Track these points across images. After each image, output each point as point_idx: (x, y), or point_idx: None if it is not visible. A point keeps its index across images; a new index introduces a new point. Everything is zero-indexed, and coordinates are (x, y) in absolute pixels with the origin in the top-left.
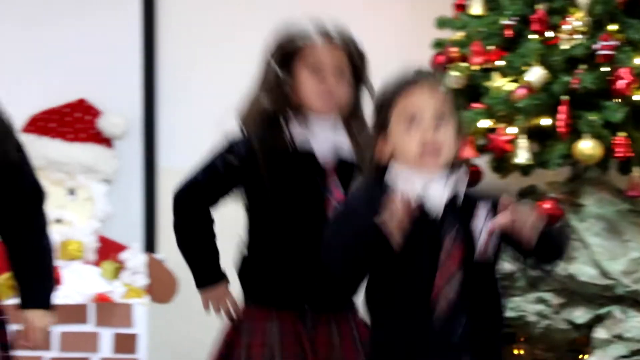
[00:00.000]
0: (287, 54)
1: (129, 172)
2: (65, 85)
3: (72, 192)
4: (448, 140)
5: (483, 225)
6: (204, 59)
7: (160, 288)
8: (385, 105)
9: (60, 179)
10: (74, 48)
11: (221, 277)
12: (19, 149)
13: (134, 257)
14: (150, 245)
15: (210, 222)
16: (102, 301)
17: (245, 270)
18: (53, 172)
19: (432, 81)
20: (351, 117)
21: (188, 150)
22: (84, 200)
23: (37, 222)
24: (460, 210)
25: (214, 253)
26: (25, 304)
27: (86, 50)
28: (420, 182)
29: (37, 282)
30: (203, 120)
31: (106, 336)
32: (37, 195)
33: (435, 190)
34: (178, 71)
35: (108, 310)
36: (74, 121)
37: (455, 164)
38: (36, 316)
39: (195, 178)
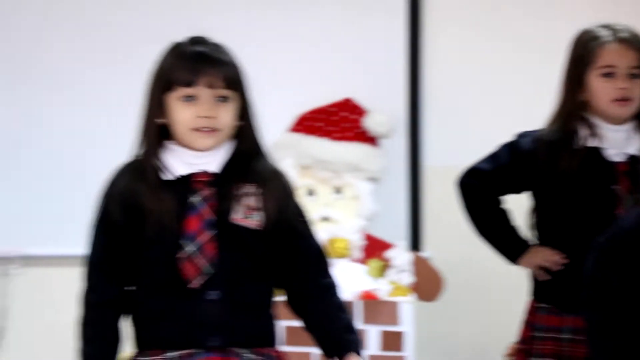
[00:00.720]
0: (581, 59)
1: (395, 170)
2: (331, 84)
3: (338, 190)
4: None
5: None
6: (470, 55)
7: (426, 286)
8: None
9: (327, 177)
10: (341, 49)
11: (526, 244)
12: (300, 214)
13: (400, 255)
14: (415, 243)
15: (497, 202)
16: (369, 299)
17: None
18: (320, 170)
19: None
20: None
21: (454, 149)
22: (350, 199)
23: (327, 283)
24: None
25: (510, 226)
26: (345, 351)
27: (352, 50)
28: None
29: (345, 331)
30: (469, 118)
31: (373, 333)
32: (322, 258)
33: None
34: (444, 69)
35: (374, 307)
36: (340, 120)
37: None
38: None
39: (478, 165)
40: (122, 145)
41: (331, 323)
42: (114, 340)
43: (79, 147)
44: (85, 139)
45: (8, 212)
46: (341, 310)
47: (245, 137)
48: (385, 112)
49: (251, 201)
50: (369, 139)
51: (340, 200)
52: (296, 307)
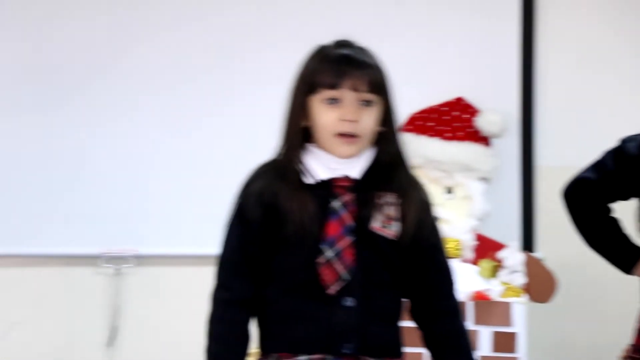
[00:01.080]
0: None
1: (507, 170)
2: (443, 84)
3: (449, 190)
4: None
5: None
6: (584, 53)
7: (539, 287)
8: None
9: (438, 177)
10: (453, 47)
11: (639, 252)
12: (435, 229)
13: (512, 256)
14: (528, 243)
15: (605, 211)
16: (480, 299)
17: None
18: (431, 170)
19: None
20: None
21: (567, 149)
22: (461, 199)
23: (453, 306)
24: None
25: (621, 235)
26: None
27: (464, 49)
28: None
29: None
30: (583, 118)
31: (485, 334)
32: (451, 278)
33: None
34: (557, 67)
35: (486, 308)
36: (452, 120)
37: None
38: None
39: (583, 175)
40: (237, 147)
41: (451, 352)
42: (243, 339)
43: (193, 150)
44: (199, 141)
45: (122, 212)
46: (463, 337)
47: (386, 144)
48: (497, 111)
49: (390, 210)
50: (481, 139)
51: (452, 200)
52: (419, 320)
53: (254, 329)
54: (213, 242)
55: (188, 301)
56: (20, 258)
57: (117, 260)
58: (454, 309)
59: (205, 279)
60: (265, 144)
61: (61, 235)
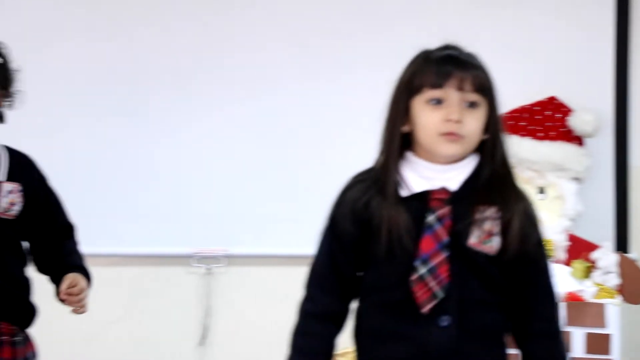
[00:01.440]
0: None
1: (601, 170)
2: (536, 83)
3: (541, 190)
4: None
5: None
6: None
7: (633, 288)
8: None
9: (530, 177)
10: (546, 46)
11: None
12: (540, 245)
13: (605, 257)
14: (622, 244)
15: None
16: (573, 300)
17: None
18: (523, 170)
19: None
20: None
21: None
22: (553, 199)
23: (553, 329)
24: None
25: None
26: None
27: (558, 47)
28: None
29: None
30: None
31: (578, 336)
32: (553, 299)
33: None
34: None
35: (579, 309)
36: (544, 119)
37: None
38: None
39: None
40: (328, 151)
41: None
42: (324, 354)
43: (283, 152)
44: (289, 144)
45: (214, 213)
46: None
47: (490, 152)
48: (591, 110)
49: (489, 225)
50: (574, 138)
51: (544, 201)
52: (517, 340)
53: (346, 339)
54: (303, 243)
55: (278, 301)
56: (115, 257)
57: (208, 260)
58: (553, 333)
59: (296, 279)
60: (363, 150)
61: (154, 236)
